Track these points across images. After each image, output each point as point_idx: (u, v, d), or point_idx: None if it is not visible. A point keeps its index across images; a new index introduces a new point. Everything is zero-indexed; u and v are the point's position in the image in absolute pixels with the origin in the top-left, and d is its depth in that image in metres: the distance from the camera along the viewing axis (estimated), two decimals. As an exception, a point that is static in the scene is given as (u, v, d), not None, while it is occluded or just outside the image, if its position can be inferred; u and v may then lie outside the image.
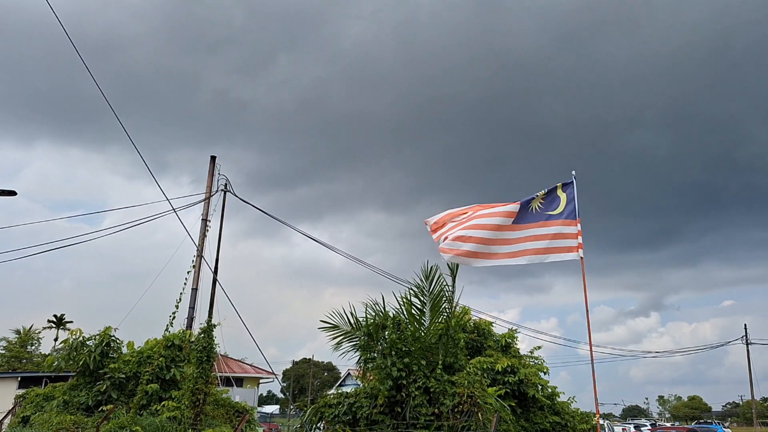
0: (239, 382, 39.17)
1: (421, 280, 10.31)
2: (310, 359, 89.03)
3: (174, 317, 17.16)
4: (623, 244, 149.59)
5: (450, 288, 10.21)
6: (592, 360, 11.60)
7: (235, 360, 39.51)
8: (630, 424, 61.10)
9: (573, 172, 12.44)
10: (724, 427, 66.19)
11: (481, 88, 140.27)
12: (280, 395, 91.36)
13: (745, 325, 53.60)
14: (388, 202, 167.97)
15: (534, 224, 11.86)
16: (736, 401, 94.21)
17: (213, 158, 19.34)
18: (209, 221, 18.55)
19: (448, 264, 10.45)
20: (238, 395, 23.46)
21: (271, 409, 70.06)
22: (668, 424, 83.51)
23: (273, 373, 33.05)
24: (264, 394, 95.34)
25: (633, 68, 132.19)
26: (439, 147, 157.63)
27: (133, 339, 16.72)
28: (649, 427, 57.46)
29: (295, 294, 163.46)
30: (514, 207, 12.00)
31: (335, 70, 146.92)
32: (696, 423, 72.23)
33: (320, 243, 20.71)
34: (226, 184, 18.85)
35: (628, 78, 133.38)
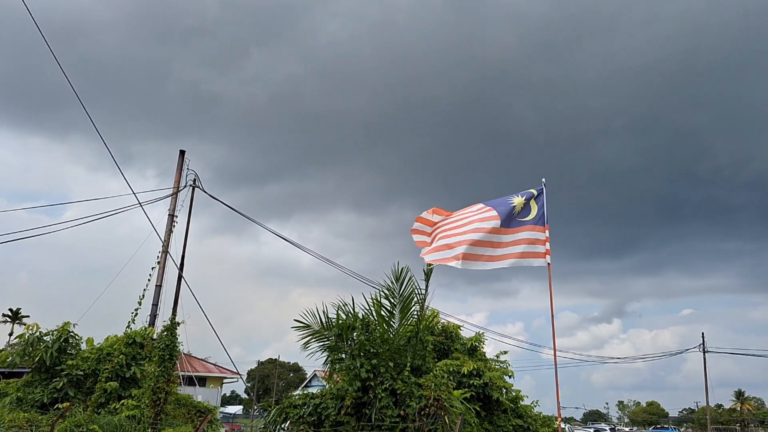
0: (202, 381, 38.52)
1: (392, 282, 10.29)
2: (275, 360, 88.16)
3: (136, 314, 16.76)
4: (589, 252, 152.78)
5: (422, 291, 10.22)
6: (555, 365, 11.75)
7: (198, 359, 38.83)
8: (590, 428, 62.29)
9: (543, 180, 12.64)
10: (680, 432, 68.06)
11: (456, 91, 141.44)
12: (244, 396, 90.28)
13: (703, 333, 55.29)
14: (359, 202, 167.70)
15: (513, 229, 12.04)
16: (692, 407, 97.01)
17: (182, 152, 18.98)
18: (176, 216, 18.19)
19: (424, 269, 10.46)
20: (200, 395, 23.07)
21: (235, 409, 69.17)
22: (627, 429, 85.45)
23: (237, 373, 32.61)
24: (228, 394, 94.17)
25: (605, 79, 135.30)
26: (412, 149, 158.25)
27: (93, 335, 16.29)
28: (608, 431, 58.68)
29: (263, 293, 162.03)
30: (492, 213, 12.15)
31: (309, 67, 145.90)
32: (653, 428, 74.11)
33: (289, 242, 20.54)
34: (194, 180, 18.51)
35: (599, 88, 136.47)
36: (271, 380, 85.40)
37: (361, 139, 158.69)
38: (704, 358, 52.44)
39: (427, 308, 10.53)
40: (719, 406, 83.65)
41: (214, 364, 41.54)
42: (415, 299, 10.29)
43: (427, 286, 10.26)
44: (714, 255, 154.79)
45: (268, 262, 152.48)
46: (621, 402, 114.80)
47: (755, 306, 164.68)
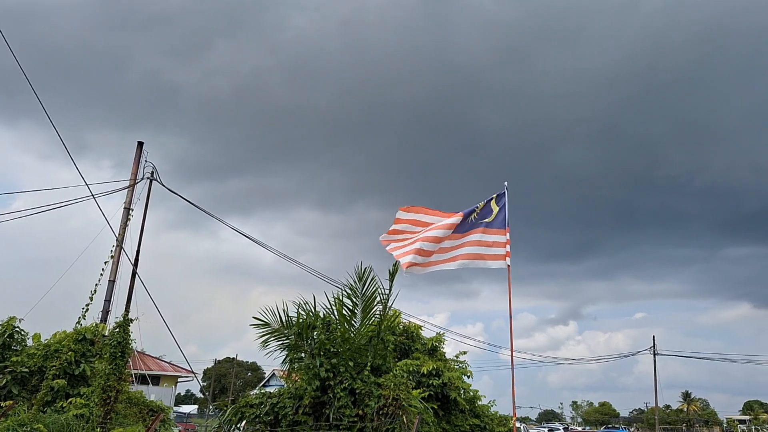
0: (156, 380, 37.57)
1: (355, 282, 10.22)
2: (233, 359, 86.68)
3: (87, 309, 16.16)
4: (547, 255, 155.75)
5: (385, 291, 10.18)
6: (512, 365, 11.93)
7: (152, 357, 37.85)
8: (544, 427, 63.57)
9: (505, 183, 12.82)
10: (629, 432, 70.15)
11: (423, 91, 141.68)
12: (200, 395, 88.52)
13: (654, 336, 57.19)
14: (323, 200, 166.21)
15: (469, 232, 12.19)
16: (642, 408, 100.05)
17: (140, 144, 18.43)
18: (132, 210, 17.64)
19: (389, 269, 10.43)
20: (153, 394, 22.46)
21: (189, 408, 67.78)
22: (580, 429, 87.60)
23: (192, 372, 31.88)
24: (182, 394, 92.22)
25: (568, 87, 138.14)
26: (378, 148, 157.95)
27: (41, 331, 15.65)
28: (562, 431, 60.02)
29: (221, 291, 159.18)
30: (457, 219, 12.33)
31: (275, 61, 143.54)
32: (605, 428, 76.15)
33: (250, 239, 20.16)
34: (152, 172, 17.97)
35: (562, 93, 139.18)
36: (228, 379, 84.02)
37: (327, 136, 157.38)
38: (654, 361, 54.21)
39: (390, 308, 10.50)
40: (667, 406, 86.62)
41: (169, 363, 40.56)
42: (378, 299, 10.24)
43: (391, 287, 10.23)
44: (666, 261, 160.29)
45: (228, 259, 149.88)
46: (575, 402, 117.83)
47: (703, 311, 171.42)
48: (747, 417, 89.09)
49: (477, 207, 12.47)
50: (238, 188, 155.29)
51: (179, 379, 42.23)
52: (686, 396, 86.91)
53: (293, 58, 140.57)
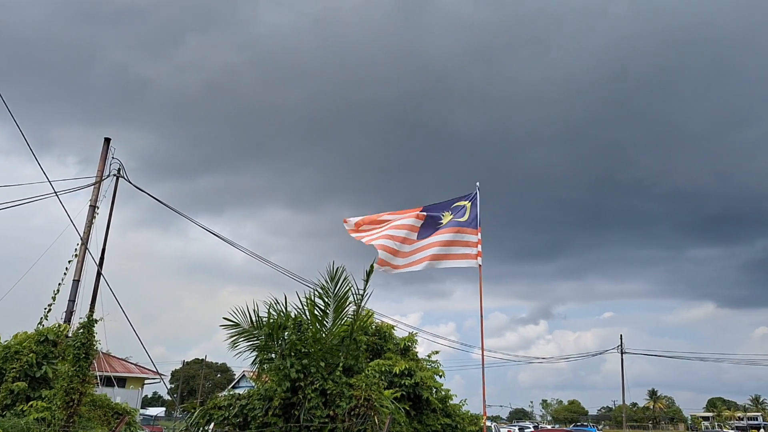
0: (121, 382, 36.75)
1: (327, 281, 10.09)
2: (202, 360, 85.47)
3: (50, 310, 15.67)
4: (518, 255, 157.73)
5: (359, 291, 10.10)
6: (483, 364, 12.01)
7: (118, 358, 37.01)
8: (515, 426, 64.25)
9: (477, 183, 12.90)
10: (598, 429, 71.41)
11: (397, 92, 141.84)
12: (167, 397, 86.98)
13: (621, 335, 58.17)
14: (295, 199, 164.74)
15: (440, 231, 12.22)
16: (610, 405, 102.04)
17: (107, 140, 17.96)
18: (98, 208, 17.17)
19: (366, 270, 10.34)
20: (119, 396, 21.94)
21: (157, 411, 66.57)
22: (549, 426, 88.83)
23: (158, 374, 31.25)
24: (149, 396, 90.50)
25: (538, 88, 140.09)
26: (351, 147, 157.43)
27: (1, 332, 15.10)
28: (532, 429, 60.77)
29: (190, 291, 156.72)
30: (421, 213, 12.33)
31: (248, 57, 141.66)
32: (574, 425, 77.35)
33: (220, 238, 19.84)
34: (119, 169, 17.52)
35: (533, 97, 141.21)
36: (197, 381, 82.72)
37: (299, 134, 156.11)
38: (621, 359, 55.31)
39: (362, 308, 10.42)
40: (634, 404, 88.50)
41: (135, 364, 39.74)
42: (351, 299, 10.15)
43: (365, 287, 10.15)
44: (632, 261, 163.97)
45: (197, 259, 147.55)
46: (545, 401, 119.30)
47: (669, 311, 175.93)
48: (710, 414, 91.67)
49: (444, 205, 12.54)
50: (208, 186, 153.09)
51: (146, 381, 41.41)
52: (652, 394, 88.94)
53: (266, 54, 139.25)
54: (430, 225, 12.38)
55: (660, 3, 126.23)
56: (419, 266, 12.13)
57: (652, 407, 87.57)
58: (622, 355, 55.17)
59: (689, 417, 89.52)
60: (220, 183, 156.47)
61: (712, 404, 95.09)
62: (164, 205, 19.13)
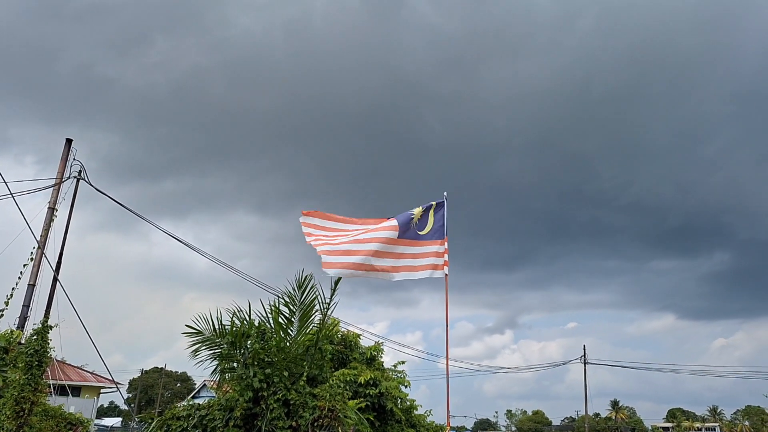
0: (76, 391, 35.54)
1: (294, 289, 9.92)
2: (161, 368, 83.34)
3: (2, 315, 15.07)
4: (486, 264, 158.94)
5: (326, 299, 9.95)
6: (447, 374, 12.03)
7: (73, 366, 35.83)
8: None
9: (445, 193, 12.94)
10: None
11: (367, 98, 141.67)
12: (125, 407, 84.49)
13: (584, 346, 59.21)
14: (262, 204, 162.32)
15: (410, 242, 12.21)
16: (573, 416, 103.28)
17: (69, 141, 17.43)
18: (56, 210, 16.62)
19: (332, 278, 10.22)
20: (73, 405, 21.18)
21: (112, 421, 64.73)
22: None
23: (115, 382, 30.34)
24: (105, 406, 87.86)
25: (508, 99, 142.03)
26: (321, 153, 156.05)
27: (-53, 339, 14.40)
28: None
29: (151, 297, 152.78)
30: (392, 223, 12.29)
31: (217, 59, 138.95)
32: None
33: (184, 243, 19.41)
34: (80, 171, 17.03)
35: (502, 106, 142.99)
36: (155, 390, 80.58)
37: (269, 138, 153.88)
38: (585, 370, 56.13)
39: (328, 316, 10.28)
40: (597, 414, 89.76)
41: (91, 373, 38.54)
42: (317, 307, 10.00)
43: (332, 296, 10.01)
44: (596, 272, 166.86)
45: (159, 264, 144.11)
46: (509, 411, 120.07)
47: (630, 321, 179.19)
48: (670, 424, 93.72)
49: (413, 215, 12.53)
50: (173, 189, 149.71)
51: (102, 390, 40.17)
52: (615, 404, 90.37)
53: (236, 57, 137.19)
54: (402, 234, 12.35)
55: (625, 21, 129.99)
56: (387, 276, 12.06)
57: (614, 417, 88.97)
58: (585, 366, 56.06)
59: (650, 427, 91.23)
60: (185, 186, 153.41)
61: (671, 415, 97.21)
62: (126, 208, 18.64)
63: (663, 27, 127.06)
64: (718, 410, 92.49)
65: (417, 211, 12.64)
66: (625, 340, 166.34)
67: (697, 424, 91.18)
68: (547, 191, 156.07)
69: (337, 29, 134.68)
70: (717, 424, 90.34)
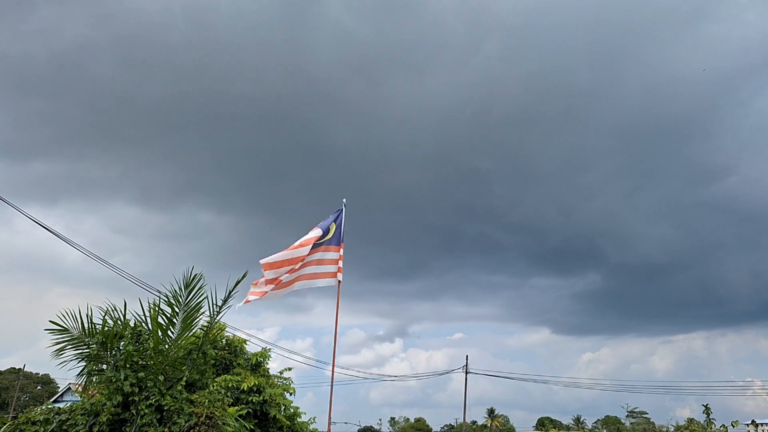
0: None
1: (180, 288, 9.36)
2: (20, 369, 75.85)
3: None
4: (382, 273, 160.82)
5: (216, 304, 9.51)
6: (332, 381, 12.03)
7: None
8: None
9: (344, 200, 12.94)
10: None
11: (272, 95, 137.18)
12: (-25, 411, 75.94)
13: (467, 356, 61.51)
14: (147, 195, 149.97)
15: (313, 251, 12.10)
16: (453, 423, 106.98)
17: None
18: None
19: (228, 282, 9.82)
20: None
21: (-41, 427, 57.85)
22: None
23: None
24: (-48, 409, 78.46)
25: (411, 110, 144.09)
26: (217, 145, 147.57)
27: None
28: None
29: (9, 291, 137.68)
30: (317, 233, 12.12)
31: (107, 34, 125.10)
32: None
33: (53, 232, 17.80)
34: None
35: (406, 118, 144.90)
36: (10, 393, 73.14)
37: (158, 125, 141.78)
38: (466, 379, 58.32)
39: (218, 319, 9.84)
40: (474, 422, 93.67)
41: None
42: (204, 310, 9.52)
43: (226, 299, 9.61)
44: (484, 286, 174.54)
45: (23, 254, 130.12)
46: (393, 418, 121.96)
47: (510, 334, 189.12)
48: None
49: (330, 225, 12.51)
50: (44, 172, 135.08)
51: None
52: (491, 412, 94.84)
53: (127, 34, 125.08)
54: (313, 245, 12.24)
55: (526, 49, 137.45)
56: (288, 289, 11.90)
57: (489, 425, 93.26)
58: (466, 375, 58.24)
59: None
60: (59, 170, 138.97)
61: (540, 423, 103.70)
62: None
63: (559, 60, 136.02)
64: (581, 419, 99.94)
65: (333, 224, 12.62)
66: (505, 351, 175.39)
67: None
68: (443, 205, 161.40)
69: (245, 18, 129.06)
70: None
